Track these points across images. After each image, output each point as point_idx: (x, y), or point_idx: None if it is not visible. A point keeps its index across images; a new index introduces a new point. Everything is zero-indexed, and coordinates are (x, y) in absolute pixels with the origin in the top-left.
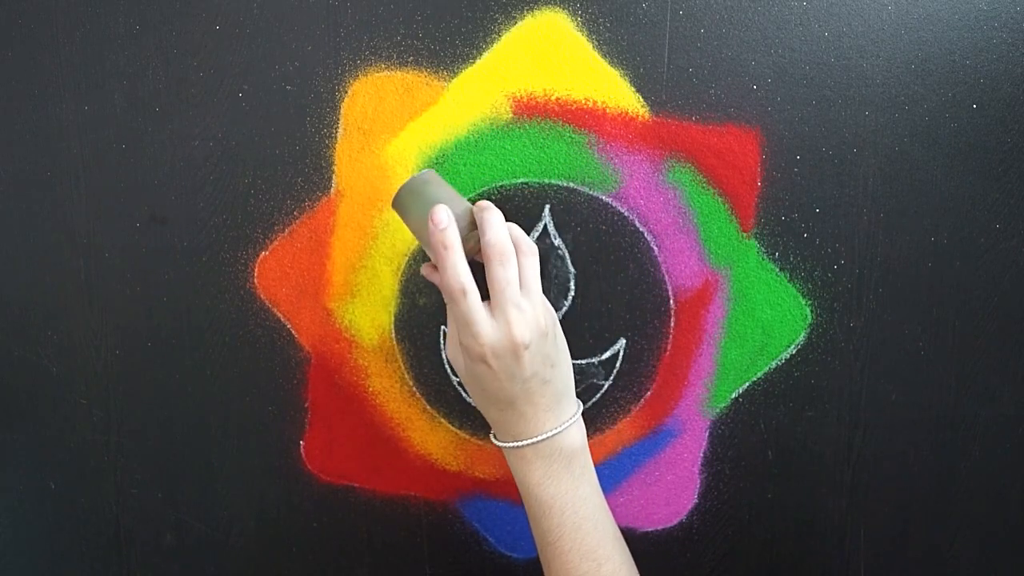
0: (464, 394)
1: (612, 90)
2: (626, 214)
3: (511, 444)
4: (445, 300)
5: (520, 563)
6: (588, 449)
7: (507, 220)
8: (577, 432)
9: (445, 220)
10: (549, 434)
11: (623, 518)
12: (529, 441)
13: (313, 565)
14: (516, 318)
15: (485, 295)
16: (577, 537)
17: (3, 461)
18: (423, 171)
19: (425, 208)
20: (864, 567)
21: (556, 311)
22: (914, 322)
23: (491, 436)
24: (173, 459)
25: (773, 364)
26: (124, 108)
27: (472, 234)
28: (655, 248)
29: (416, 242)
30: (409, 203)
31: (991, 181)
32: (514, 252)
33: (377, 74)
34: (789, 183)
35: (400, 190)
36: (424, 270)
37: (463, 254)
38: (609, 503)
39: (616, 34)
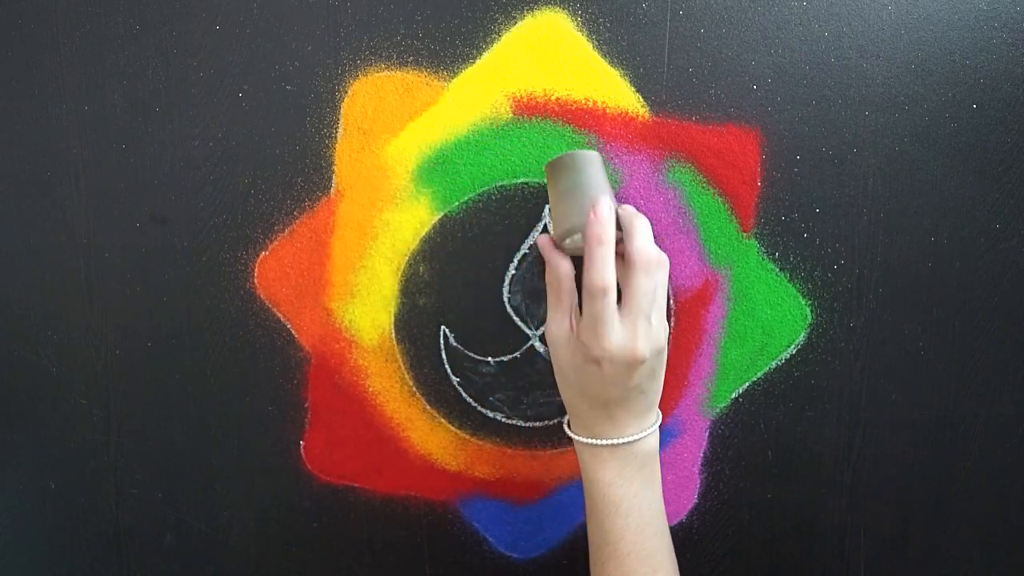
0: (464, 394)
1: (612, 90)
2: None
3: (589, 440)
4: (552, 288)
5: (520, 563)
6: (659, 456)
7: (507, 220)
8: (654, 439)
9: (607, 214)
10: (631, 439)
11: None
12: (610, 441)
13: (313, 565)
14: (644, 331)
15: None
16: (639, 541)
17: (3, 461)
18: (592, 151)
19: (579, 186)
20: (864, 567)
21: None
22: (914, 322)
23: (565, 425)
24: (173, 459)
25: (773, 364)
26: (124, 108)
27: None
28: None
29: (416, 243)
30: (565, 172)
31: (991, 181)
32: (659, 265)
33: (377, 74)
34: (789, 183)
35: (563, 156)
36: (541, 241)
37: (614, 252)
38: None
39: (616, 34)
